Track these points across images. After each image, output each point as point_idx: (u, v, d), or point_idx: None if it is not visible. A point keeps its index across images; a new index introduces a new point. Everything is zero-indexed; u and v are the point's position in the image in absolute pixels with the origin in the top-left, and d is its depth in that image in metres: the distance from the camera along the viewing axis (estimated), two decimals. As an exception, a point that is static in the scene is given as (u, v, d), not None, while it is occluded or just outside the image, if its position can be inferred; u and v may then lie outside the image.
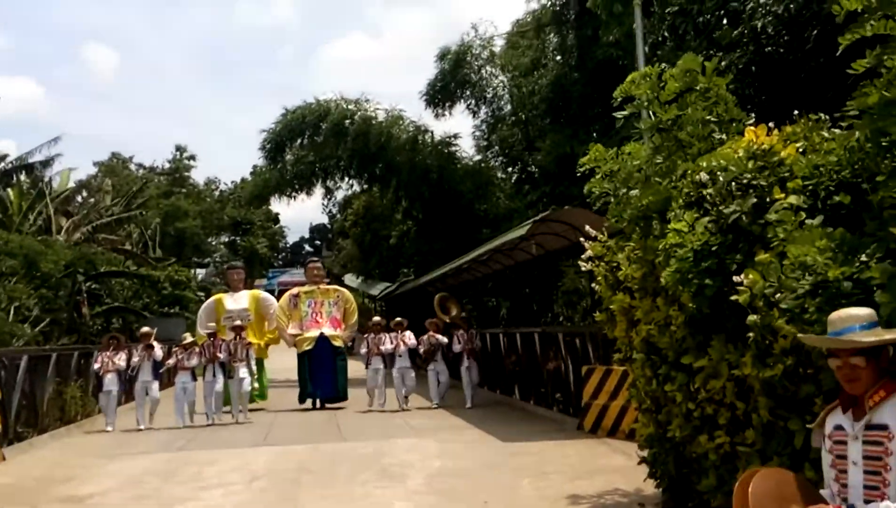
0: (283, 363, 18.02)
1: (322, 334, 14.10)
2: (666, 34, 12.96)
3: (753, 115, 5.44)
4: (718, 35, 11.38)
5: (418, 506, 6.49)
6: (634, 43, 10.64)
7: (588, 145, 6.08)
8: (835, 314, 2.82)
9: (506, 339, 14.37)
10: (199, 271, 45.59)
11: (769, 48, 10.78)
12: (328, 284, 15.76)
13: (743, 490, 2.79)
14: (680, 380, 4.84)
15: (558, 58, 20.92)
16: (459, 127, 43.62)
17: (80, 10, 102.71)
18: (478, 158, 25.25)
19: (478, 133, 25.20)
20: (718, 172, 4.43)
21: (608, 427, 9.32)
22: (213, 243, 54.95)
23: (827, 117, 4.57)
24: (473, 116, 24.54)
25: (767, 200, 4.07)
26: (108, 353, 12.48)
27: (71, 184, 31.43)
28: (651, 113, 5.59)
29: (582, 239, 6.49)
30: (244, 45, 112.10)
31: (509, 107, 23.52)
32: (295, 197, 25.90)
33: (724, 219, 4.17)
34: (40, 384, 11.77)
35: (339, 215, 39.10)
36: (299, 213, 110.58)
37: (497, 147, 24.18)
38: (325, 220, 55.23)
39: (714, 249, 4.13)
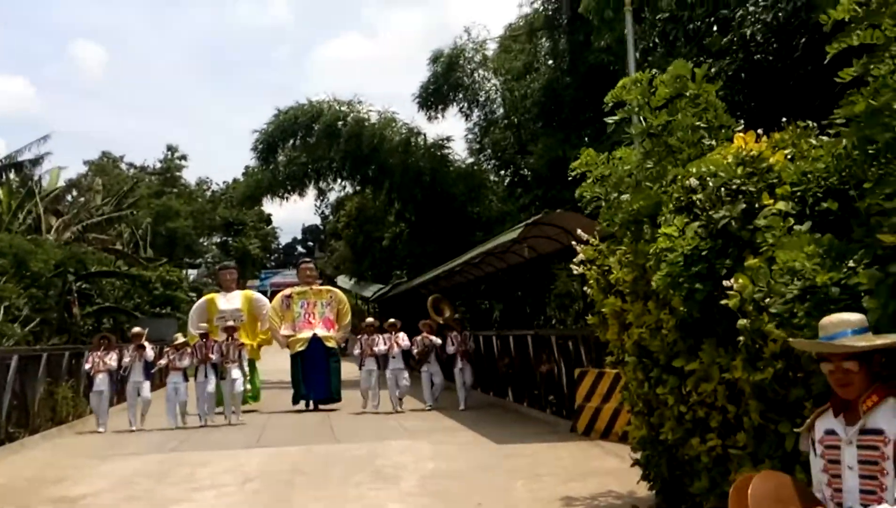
0: (275, 364, 18.00)
1: (315, 335, 14.09)
2: (657, 40, 13.08)
3: (742, 121, 5.53)
4: (708, 42, 11.50)
5: (411, 508, 6.53)
6: (626, 48, 10.74)
7: (580, 149, 6.15)
8: (826, 319, 2.84)
9: (499, 341, 14.42)
10: (190, 271, 45.40)
11: (758, 56, 10.91)
12: (321, 284, 15.75)
13: (738, 493, 2.81)
14: (671, 383, 4.90)
15: (550, 62, 21.05)
16: (452, 130, 43.88)
17: (71, 8, 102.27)
18: (470, 160, 25.35)
19: (470, 136, 25.34)
20: (708, 178, 4.50)
21: (601, 430, 9.38)
22: (205, 243, 54.79)
23: (815, 125, 4.65)
24: (466, 119, 24.69)
25: (756, 205, 4.14)
26: (98, 353, 12.45)
27: (61, 183, 31.26)
28: (641, 118, 5.67)
29: (574, 243, 6.55)
30: (238, 44, 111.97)
31: (502, 110, 23.63)
32: (287, 198, 25.95)
33: (713, 224, 4.24)
34: (31, 384, 11.74)
35: (331, 217, 39.13)
36: (292, 214, 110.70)
37: (489, 150, 24.29)
38: (317, 221, 55.32)
39: (704, 253, 4.20)
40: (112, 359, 12.42)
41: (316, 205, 37.53)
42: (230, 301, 14.83)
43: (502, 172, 24.56)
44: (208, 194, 57.91)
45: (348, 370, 15.20)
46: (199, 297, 16.35)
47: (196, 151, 79.07)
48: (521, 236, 11.87)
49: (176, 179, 54.44)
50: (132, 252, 31.47)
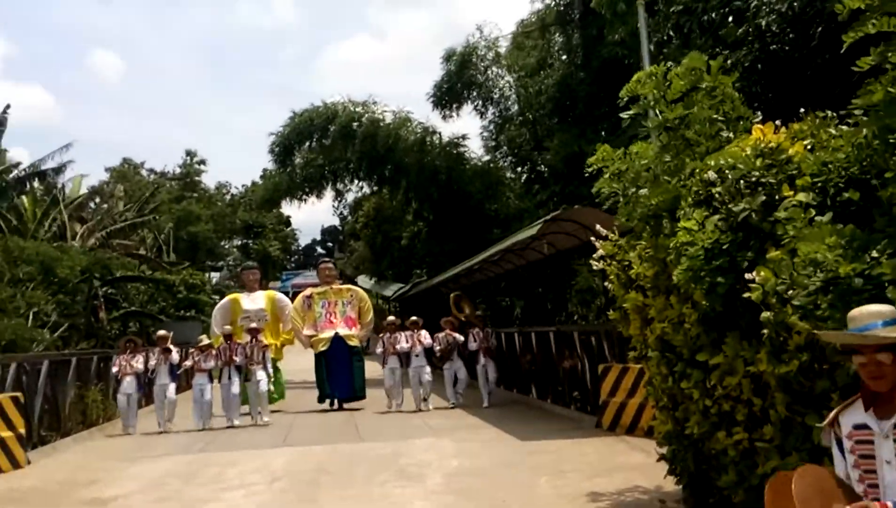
0: (298, 363, 18.16)
1: (337, 334, 14.18)
2: (671, 33, 12.99)
3: (760, 113, 5.50)
4: (724, 33, 11.41)
5: (437, 506, 6.57)
6: (640, 42, 10.69)
7: (596, 145, 6.15)
8: (857, 311, 2.77)
9: (521, 338, 14.42)
10: (213, 274, 45.88)
11: (774, 46, 10.80)
12: (341, 284, 15.85)
13: (775, 493, 2.77)
14: (696, 377, 4.89)
15: (564, 57, 20.97)
16: (467, 128, 43.86)
17: (86, 17, 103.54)
18: (486, 158, 25.31)
19: (486, 134, 25.29)
20: (727, 171, 4.49)
21: (626, 425, 9.34)
22: (226, 246, 55.32)
23: (834, 114, 4.62)
24: (481, 117, 24.63)
25: (776, 197, 4.12)
26: (125, 356, 12.66)
27: (83, 190, 31.79)
28: (657, 112, 5.65)
29: (593, 238, 6.55)
30: (249, 48, 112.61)
31: (516, 107, 23.57)
32: (305, 200, 26.10)
33: (733, 217, 4.23)
34: (61, 388, 11.96)
35: (349, 217, 39.27)
36: (310, 215, 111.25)
37: (505, 147, 24.24)
38: (336, 222, 55.46)
39: (725, 247, 4.19)
40: (139, 362, 12.62)
41: (334, 206, 37.70)
42: (254, 301, 14.99)
43: (519, 169, 24.51)
44: (228, 197, 58.46)
45: (371, 368, 15.30)
46: (222, 299, 16.50)
47: (214, 155, 79.86)
48: (539, 232, 11.87)
49: (196, 183, 55.01)
50: (155, 257, 31.92)
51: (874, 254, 3.33)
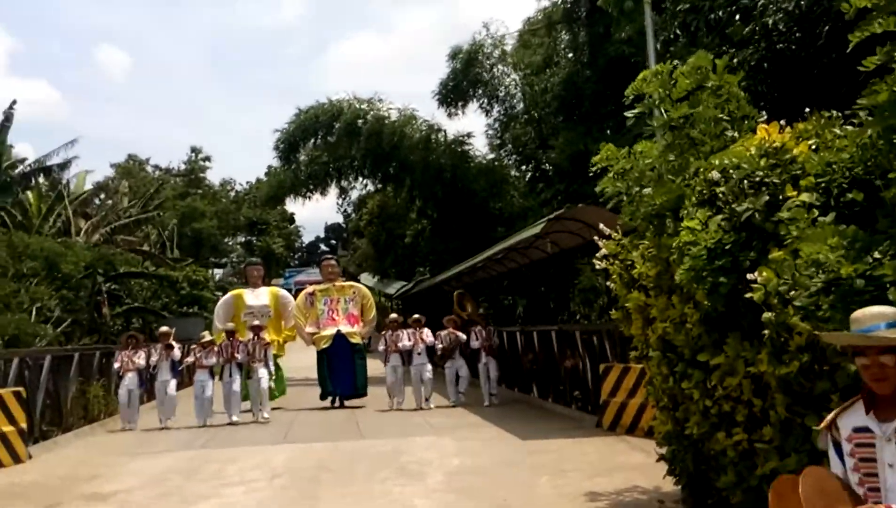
0: (300, 360, 18.18)
1: (339, 331, 14.18)
2: (678, 31, 12.94)
3: (765, 112, 5.46)
4: (730, 32, 11.35)
5: (437, 504, 6.56)
6: (646, 40, 10.65)
7: (601, 143, 6.12)
8: (860, 312, 2.74)
9: (523, 337, 14.40)
10: (216, 271, 45.99)
11: (781, 45, 10.75)
12: (344, 281, 15.85)
13: (780, 497, 2.75)
14: (696, 377, 4.87)
15: (570, 55, 20.91)
16: (472, 126, 43.85)
17: (92, 13, 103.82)
18: (491, 156, 25.29)
19: (491, 132, 25.27)
20: (731, 170, 4.46)
21: (627, 425, 9.33)
22: (230, 243, 55.43)
23: (839, 114, 4.58)
24: (486, 115, 24.61)
25: (780, 197, 4.10)
26: (127, 352, 12.69)
27: (88, 186, 31.88)
28: (662, 111, 5.62)
29: (596, 237, 6.53)
30: (256, 45, 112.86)
31: (522, 105, 23.54)
32: (310, 197, 26.12)
33: (736, 217, 4.21)
34: (64, 383, 12.00)
35: (353, 215, 39.33)
36: (314, 212, 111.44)
37: (510, 145, 24.20)
38: (340, 219, 55.60)
39: (728, 247, 4.17)
40: (140, 358, 12.64)
41: (338, 203, 37.77)
42: (258, 297, 15.00)
43: (523, 168, 24.47)
44: (232, 194, 58.58)
45: (373, 366, 15.31)
46: (224, 295, 16.51)
47: (219, 152, 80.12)
48: (543, 231, 11.85)
49: (200, 180, 55.13)
50: (159, 253, 31.98)
51: (876, 255, 3.31)
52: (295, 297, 15.82)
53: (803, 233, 3.71)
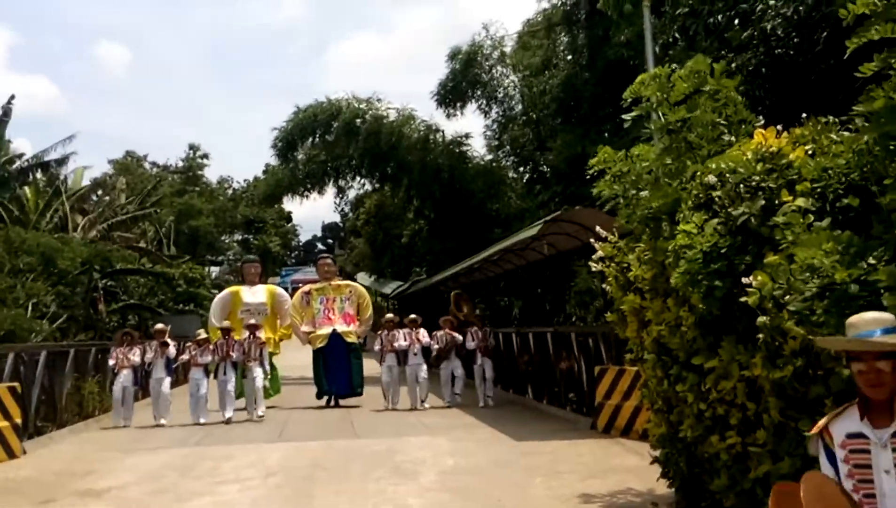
0: (295, 359, 18.17)
1: (334, 330, 14.18)
2: (677, 35, 12.97)
3: (762, 117, 5.49)
4: (729, 36, 11.38)
5: (431, 503, 6.57)
6: (645, 43, 10.66)
7: (599, 146, 6.14)
8: (856, 318, 2.74)
9: (518, 338, 14.41)
10: (212, 268, 45.95)
11: (779, 50, 10.78)
12: (340, 280, 15.84)
13: (777, 500, 2.75)
14: (691, 381, 4.89)
15: (569, 58, 20.92)
16: (470, 127, 43.78)
17: (92, 8, 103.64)
18: (489, 157, 25.29)
19: (489, 133, 25.25)
20: (727, 174, 4.48)
21: (621, 427, 9.36)
22: (227, 241, 55.40)
23: (836, 120, 4.61)
24: (485, 116, 24.58)
25: (776, 202, 4.12)
26: (122, 349, 12.67)
27: (85, 182, 31.84)
28: (660, 114, 5.65)
29: (593, 240, 6.54)
30: (256, 44, 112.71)
31: (520, 107, 23.54)
32: (307, 196, 26.06)
33: (732, 221, 4.23)
34: (59, 379, 11.99)
35: (351, 214, 39.28)
36: (312, 211, 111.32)
37: (508, 147, 24.20)
38: (337, 218, 55.49)
39: (723, 250, 4.19)
40: (135, 355, 12.63)
41: (335, 202, 37.74)
42: (255, 295, 14.99)
43: (521, 169, 24.47)
44: (229, 192, 58.55)
45: (368, 366, 15.31)
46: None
47: (217, 149, 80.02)
48: (540, 233, 11.86)
49: (198, 177, 55.08)
50: (156, 250, 31.96)
51: (871, 260, 3.32)
52: (291, 296, 15.80)
53: (798, 238, 3.72)
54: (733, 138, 5.29)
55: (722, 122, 5.38)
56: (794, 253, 3.67)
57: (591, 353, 10.61)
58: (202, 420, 12.30)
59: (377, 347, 13.68)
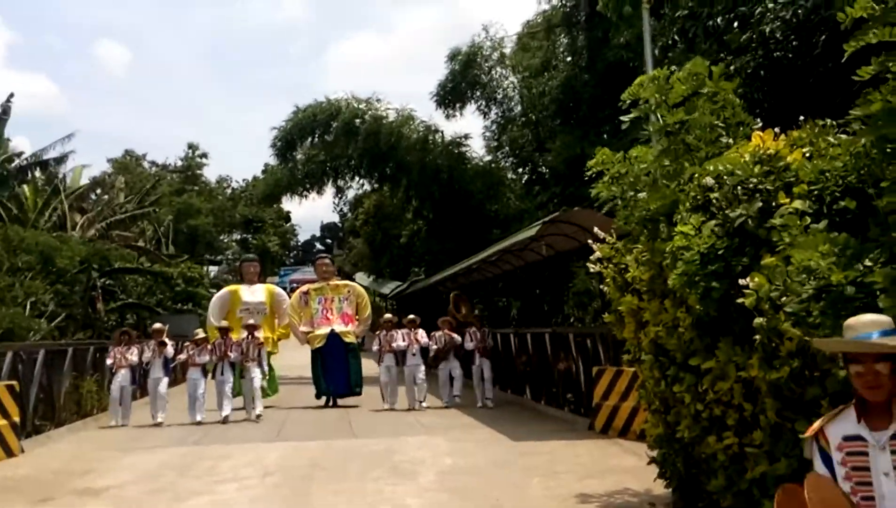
0: (294, 359, 18.16)
1: (332, 330, 14.18)
2: (676, 37, 13.01)
3: (760, 119, 5.51)
4: (728, 39, 11.42)
5: (430, 503, 6.58)
6: (644, 45, 10.70)
7: (597, 147, 6.17)
8: (853, 320, 2.74)
9: (517, 339, 14.43)
10: (211, 268, 45.93)
11: (777, 53, 10.82)
12: (339, 280, 15.84)
13: (781, 502, 2.76)
14: (688, 381, 4.91)
15: (569, 59, 20.95)
16: (470, 127, 43.79)
17: (92, 7, 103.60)
18: (488, 158, 25.31)
19: (488, 134, 25.28)
20: (725, 176, 4.51)
21: (619, 428, 9.37)
22: (225, 240, 55.39)
23: (833, 123, 4.63)
24: (484, 117, 24.61)
25: (773, 204, 4.14)
26: (120, 348, 12.67)
27: (84, 181, 31.80)
28: (658, 116, 5.67)
29: (591, 241, 6.56)
30: (256, 44, 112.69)
31: (519, 108, 23.56)
32: (306, 196, 26.05)
33: (730, 223, 4.25)
34: (57, 378, 11.98)
35: (349, 214, 39.29)
36: (310, 211, 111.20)
37: (507, 148, 24.23)
38: (336, 218, 55.48)
39: (720, 252, 4.21)
40: (133, 355, 12.63)
41: (334, 202, 37.65)
42: (254, 294, 15.00)
43: (520, 170, 24.50)
44: (228, 191, 58.53)
45: (367, 366, 15.32)
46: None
47: (216, 149, 79.99)
48: (538, 233, 11.88)
49: (197, 177, 55.06)
50: (154, 249, 31.96)
51: (867, 262, 3.34)
52: (290, 296, 15.79)
53: (795, 240, 3.74)
54: (731, 141, 5.32)
55: (720, 124, 5.41)
56: (790, 255, 3.69)
57: (589, 354, 10.63)
58: (199, 418, 12.30)
59: (375, 347, 13.68)
